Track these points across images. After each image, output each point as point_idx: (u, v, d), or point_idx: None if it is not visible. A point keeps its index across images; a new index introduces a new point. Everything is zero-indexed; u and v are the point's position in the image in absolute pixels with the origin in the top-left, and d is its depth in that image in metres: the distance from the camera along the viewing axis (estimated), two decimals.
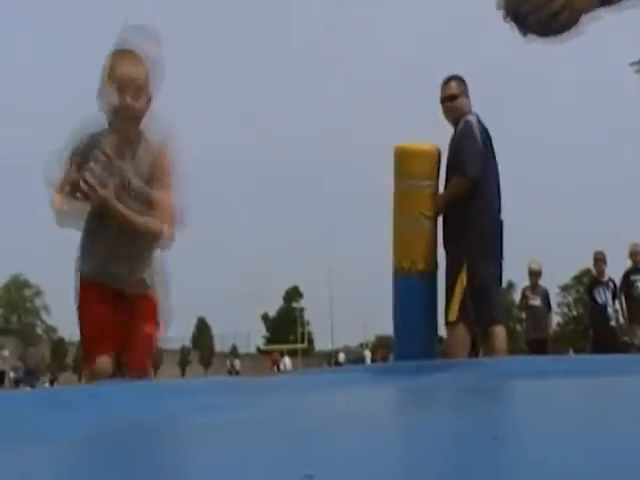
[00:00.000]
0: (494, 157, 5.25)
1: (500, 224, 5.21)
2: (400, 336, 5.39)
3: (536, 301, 10.97)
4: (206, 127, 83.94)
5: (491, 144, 5.23)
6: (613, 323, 9.66)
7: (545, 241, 71.32)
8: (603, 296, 9.67)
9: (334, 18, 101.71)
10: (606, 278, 9.79)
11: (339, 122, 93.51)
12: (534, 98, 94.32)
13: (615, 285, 9.73)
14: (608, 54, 71.57)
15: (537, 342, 10.80)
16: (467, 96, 5.40)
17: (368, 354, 45.69)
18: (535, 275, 10.93)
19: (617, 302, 9.59)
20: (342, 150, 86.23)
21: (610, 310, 9.61)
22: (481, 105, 5.27)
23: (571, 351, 42.25)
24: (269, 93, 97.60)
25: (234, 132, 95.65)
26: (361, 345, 65.31)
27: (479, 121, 5.23)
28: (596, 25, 1.82)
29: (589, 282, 10.15)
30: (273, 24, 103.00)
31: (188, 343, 69.50)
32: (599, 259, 9.87)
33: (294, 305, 79.41)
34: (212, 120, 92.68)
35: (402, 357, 5.24)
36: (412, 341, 5.21)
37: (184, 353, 66.11)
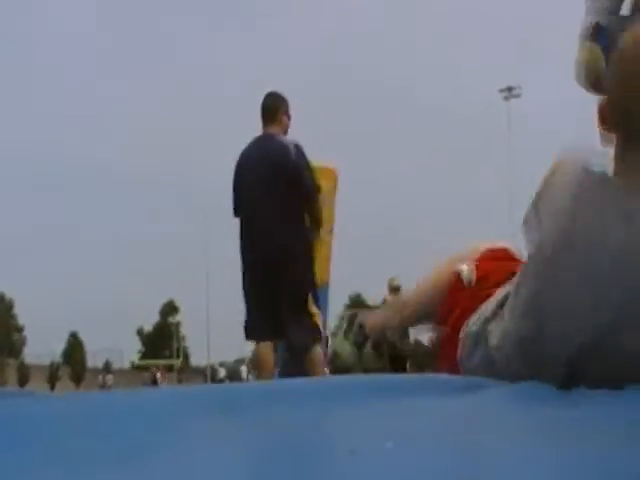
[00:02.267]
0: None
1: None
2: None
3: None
4: None
5: None
6: None
7: (419, 257, 73.31)
8: None
9: None
10: None
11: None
12: None
13: None
14: None
15: (398, 359, 11.18)
16: None
17: (244, 369, 45.62)
18: (395, 291, 11.33)
19: None
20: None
21: None
22: None
23: None
24: None
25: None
26: (237, 361, 64.95)
27: None
28: None
29: None
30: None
31: (58, 358, 67.28)
32: None
33: (170, 320, 78.28)
34: None
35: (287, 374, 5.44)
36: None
37: (53, 368, 63.89)
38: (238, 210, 5.29)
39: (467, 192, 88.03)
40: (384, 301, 11.49)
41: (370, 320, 2.66)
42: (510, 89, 42.04)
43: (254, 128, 5.26)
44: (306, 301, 5.11)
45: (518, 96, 42.24)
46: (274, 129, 5.27)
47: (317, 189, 5.16)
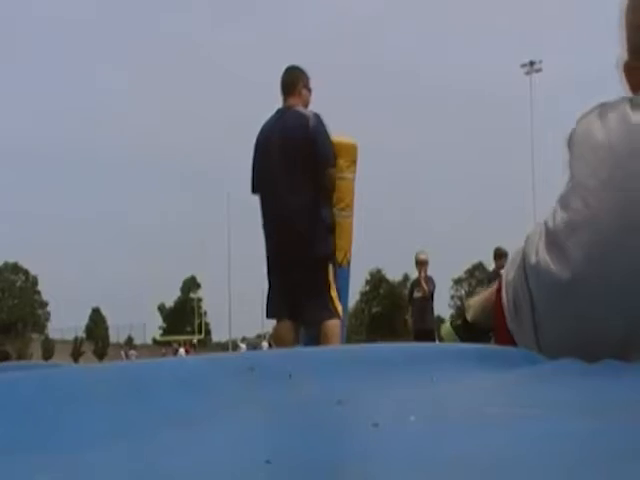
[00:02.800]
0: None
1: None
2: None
3: (419, 293, 11.45)
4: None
5: None
6: None
7: (438, 235, 73.11)
8: None
9: None
10: None
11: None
12: None
13: None
14: None
15: (423, 333, 11.24)
16: None
17: (266, 345, 45.85)
18: (422, 265, 11.35)
19: None
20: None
21: None
22: None
23: None
24: None
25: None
26: (259, 336, 65.28)
27: None
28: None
29: None
30: None
31: (81, 334, 67.97)
32: None
33: (191, 295, 78.62)
34: None
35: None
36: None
37: (77, 344, 64.62)
38: (256, 187, 5.26)
39: (489, 168, 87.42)
40: (425, 279, 11.52)
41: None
42: (532, 63, 41.61)
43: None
44: (325, 279, 5.10)
45: (540, 70, 41.81)
46: (294, 101, 5.24)
47: (334, 158, 5.13)
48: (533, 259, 1.79)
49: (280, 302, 5.19)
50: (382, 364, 1.46)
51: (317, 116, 5.06)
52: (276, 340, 5.31)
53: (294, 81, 5.22)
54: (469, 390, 1.35)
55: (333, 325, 5.00)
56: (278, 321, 5.27)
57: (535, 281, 1.78)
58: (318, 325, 5.08)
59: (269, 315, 5.28)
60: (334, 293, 5.13)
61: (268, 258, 5.21)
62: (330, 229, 5.15)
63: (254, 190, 5.21)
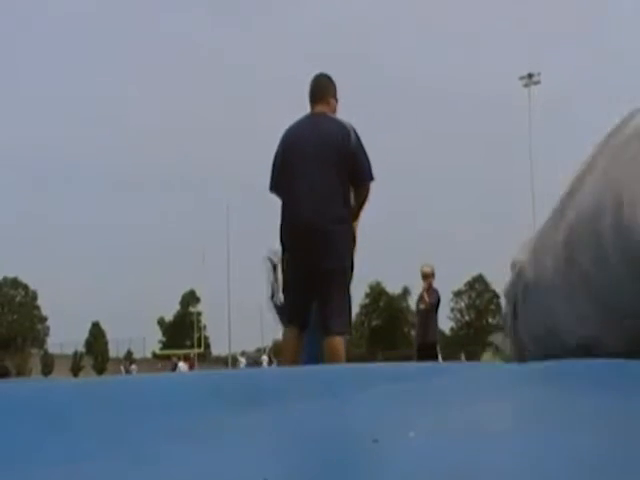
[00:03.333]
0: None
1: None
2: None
3: (422, 305, 11.41)
4: None
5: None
6: None
7: (438, 247, 73.14)
8: None
9: None
10: None
11: None
12: None
13: None
14: None
15: (425, 346, 11.19)
16: None
17: (265, 359, 45.80)
18: (424, 277, 11.30)
19: None
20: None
21: None
22: None
23: (462, 356, 43.46)
24: None
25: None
26: (258, 350, 65.23)
27: None
28: None
29: None
30: None
31: (81, 348, 67.89)
32: None
33: (191, 309, 78.63)
34: None
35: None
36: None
37: (77, 358, 64.53)
38: (278, 187, 5.14)
39: (488, 181, 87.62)
40: (427, 291, 11.46)
41: None
42: (530, 76, 41.78)
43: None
44: (344, 288, 5.03)
45: (538, 83, 41.97)
46: (323, 109, 5.20)
47: (372, 176, 5.10)
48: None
49: (294, 307, 5.09)
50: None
51: (355, 129, 5.04)
52: (282, 345, 5.19)
53: (325, 90, 5.18)
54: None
55: (341, 342, 4.92)
56: (287, 328, 5.14)
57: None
58: (327, 337, 4.99)
59: (285, 322, 5.17)
60: (350, 307, 5.08)
61: (286, 262, 5.09)
62: (355, 241, 5.12)
63: (274, 189, 5.12)
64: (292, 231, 5.00)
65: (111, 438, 1.09)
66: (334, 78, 5.33)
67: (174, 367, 45.43)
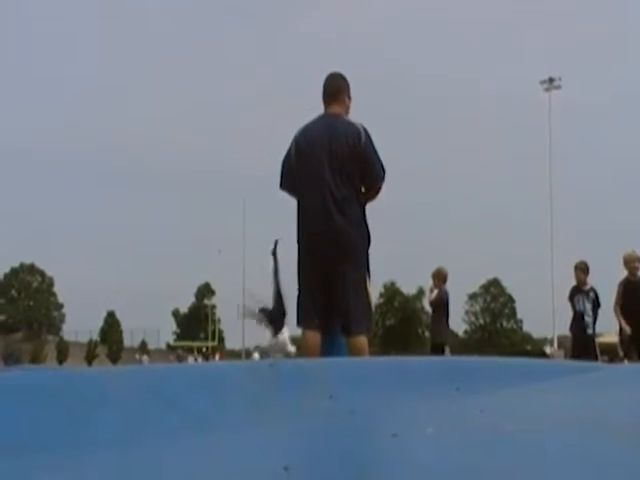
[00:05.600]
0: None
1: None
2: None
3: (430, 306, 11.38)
4: None
5: None
6: (590, 331, 9.96)
7: (454, 249, 72.90)
8: (581, 304, 9.98)
9: None
10: (587, 287, 10.05)
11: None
12: None
13: (596, 294, 10.02)
14: None
15: (434, 347, 11.17)
16: None
17: (256, 356, 45.86)
18: (432, 278, 11.27)
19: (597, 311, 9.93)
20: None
21: (587, 318, 9.92)
22: None
23: None
24: None
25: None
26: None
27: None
28: None
29: (570, 290, 10.37)
30: None
31: (96, 337, 68.24)
32: (577, 268, 10.17)
33: (205, 302, 78.83)
34: None
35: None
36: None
37: (91, 346, 64.87)
38: (293, 187, 5.15)
39: (506, 183, 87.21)
40: (431, 291, 11.43)
41: None
42: (551, 80, 41.51)
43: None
44: (360, 287, 5.03)
45: (559, 87, 41.70)
46: (337, 109, 5.19)
47: (384, 177, 5.10)
48: None
49: (312, 311, 5.07)
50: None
51: (366, 130, 5.02)
52: (306, 352, 5.16)
53: (339, 89, 5.16)
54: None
55: (364, 341, 4.92)
56: (307, 330, 5.12)
57: None
58: (349, 337, 4.98)
59: (300, 323, 5.16)
60: (371, 305, 5.08)
61: (303, 265, 5.09)
62: (369, 241, 5.12)
63: (284, 187, 5.13)
64: (307, 233, 5.01)
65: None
66: (348, 77, 5.31)
67: (178, 359, 45.44)
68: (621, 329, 9.50)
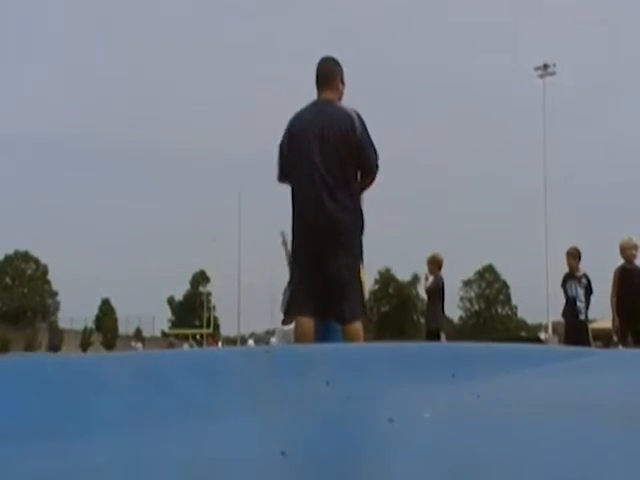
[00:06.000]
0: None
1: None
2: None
3: (426, 292, 11.40)
4: None
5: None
6: (582, 317, 9.97)
7: (449, 235, 73.01)
8: (574, 290, 9.99)
9: None
10: (580, 273, 10.07)
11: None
12: None
13: (589, 280, 10.05)
14: None
15: (429, 333, 11.19)
16: None
17: (275, 341, 45.94)
18: (427, 265, 11.28)
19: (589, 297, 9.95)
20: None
21: (579, 304, 9.93)
22: None
23: None
24: None
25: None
26: (268, 332, 65.44)
27: None
28: None
29: (563, 276, 10.37)
30: None
31: (91, 324, 68.24)
32: (569, 254, 10.17)
33: (201, 289, 78.86)
34: None
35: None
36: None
37: (86, 334, 64.88)
38: (287, 175, 5.12)
39: (500, 170, 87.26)
40: (426, 278, 11.45)
41: None
42: (546, 67, 41.49)
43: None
44: (355, 276, 5.03)
45: (553, 74, 41.68)
46: (330, 95, 5.13)
47: (377, 165, 5.08)
48: None
49: (305, 298, 5.06)
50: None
51: (359, 116, 4.98)
52: (300, 338, 5.16)
53: (332, 74, 5.10)
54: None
55: (359, 327, 4.92)
56: (300, 316, 5.10)
57: None
58: (344, 324, 4.98)
59: (291, 312, 5.14)
60: (365, 291, 5.08)
61: (297, 253, 5.09)
62: (363, 228, 5.10)
63: (282, 178, 5.11)
64: (301, 221, 5.00)
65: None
66: (349, 74, 5.26)
67: (170, 346, 45.81)
68: (613, 320, 9.49)
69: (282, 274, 5.62)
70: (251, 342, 49.69)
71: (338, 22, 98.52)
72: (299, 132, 5.00)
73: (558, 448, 0.95)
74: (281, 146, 5.10)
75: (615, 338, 10.03)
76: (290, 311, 5.10)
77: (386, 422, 1.06)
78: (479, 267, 77.17)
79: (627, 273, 9.38)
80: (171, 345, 46.73)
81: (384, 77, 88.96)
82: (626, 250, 9.47)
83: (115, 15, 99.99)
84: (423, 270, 11.77)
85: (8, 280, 72.98)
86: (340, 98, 5.17)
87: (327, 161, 4.91)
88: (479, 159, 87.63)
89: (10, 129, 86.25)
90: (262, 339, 51.95)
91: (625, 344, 9.30)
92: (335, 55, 5.43)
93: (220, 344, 48.29)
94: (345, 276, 4.91)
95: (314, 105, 5.10)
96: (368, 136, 5.00)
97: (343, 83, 5.22)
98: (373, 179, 5.09)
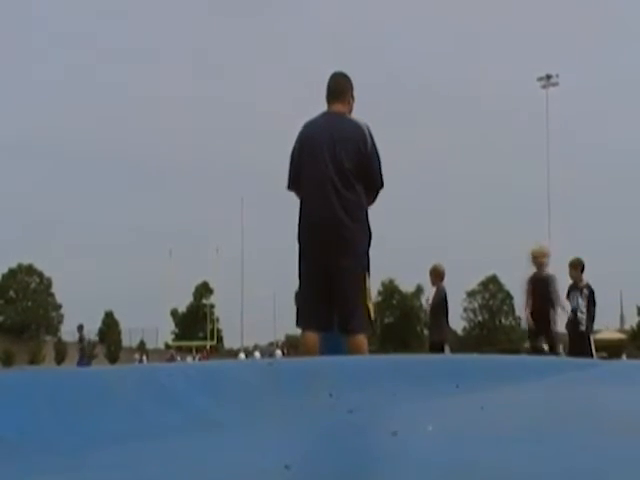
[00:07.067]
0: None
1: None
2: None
3: (429, 304, 11.33)
4: None
5: None
6: (582, 328, 9.89)
7: (453, 246, 72.94)
8: (575, 301, 9.92)
9: None
10: (582, 284, 10.01)
11: None
12: None
13: (591, 291, 9.99)
14: None
15: (433, 345, 11.14)
16: None
17: (279, 353, 45.89)
18: (430, 275, 11.22)
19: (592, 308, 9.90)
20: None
21: (580, 315, 9.85)
22: None
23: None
24: None
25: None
26: (271, 344, 65.32)
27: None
28: None
29: (568, 287, 10.31)
30: None
31: (94, 337, 68.23)
32: (571, 266, 10.11)
33: (204, 301, 78.76)
34: None
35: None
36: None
37: (90, 347, 64.86)
38: (296, 183, 5.13)
39: (504, 180, 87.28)
40: (427, 300, 11.40)
41: None
42: (548, 77, 41.56)
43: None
44: (361, 286, 5.02)
45: (556, 84, 41.75)
46: (341, 108, 5.17)
47: (382, 183, 5.11)
48: None
49: (310, 312, 5.05)
50: None
51: (370, 131, 5.03)
52: (304, 351, 5.14)
53: (344, 89, 5.16)
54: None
55: (363, 340, 4.90)
56: (305, 330, 5.10)
57: None
58: (349, 336, 4.96)
59: (298, 324, 5.13)
60: (370, 304, 5.06)
61: (303, 262, 5.07)
62: (370, 240, 5.11)
63: (292, 187, 5.12)
64: (309, 230, 5.00)
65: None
66: (351, 77, 5.32)
67: (171, 359, 45.73)
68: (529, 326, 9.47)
69: (285, 286, 5.60)
70: (257, 354, 49.65)
71: (338, 27, 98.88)
72: (310, 143, 5.02)
73: (562, 459, 0.95)
74: (293, 153, 5.11)
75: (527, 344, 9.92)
76: (298, 323, 5.10)
77: (390, 435, 1.06)
78: (483, 278, 76.98)
79: (539, 283, 9.28)
80: (172, 358, 46.72)
81: (386, 89, 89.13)
82: (538, 258, 9.34)
83: (115, 19, 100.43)
84: (427, 281, 11.73)
85: (12, 293, 73.00)
86: (350, 112, 5.21)
87: (339, 174, 4.93)
88: (482, 170, 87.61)
89: (12, 138, 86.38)
90: (267, 351, 51.92)
91: (537, 350, 9.20)
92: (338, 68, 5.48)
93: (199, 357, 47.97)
94: (352, 288, 4.91)
95: (326, 115, 5.13)
96: (377, 155, 5.04)
97: (353, 98, 5.27)
98: (375, 197, 5.11)
